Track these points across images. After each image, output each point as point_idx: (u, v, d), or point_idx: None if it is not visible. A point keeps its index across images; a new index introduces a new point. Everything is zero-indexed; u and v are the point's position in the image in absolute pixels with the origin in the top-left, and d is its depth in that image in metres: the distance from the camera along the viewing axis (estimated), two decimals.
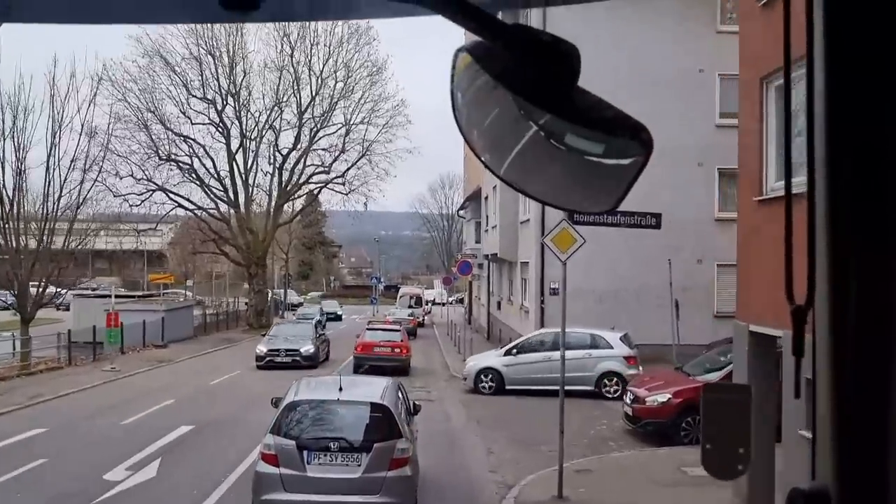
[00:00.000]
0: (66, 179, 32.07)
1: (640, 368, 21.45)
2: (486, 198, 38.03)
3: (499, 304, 37.46)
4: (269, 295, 54.01)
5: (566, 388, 21.37)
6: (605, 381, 21.52)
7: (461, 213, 53.54)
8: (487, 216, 38.48)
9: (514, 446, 15.76)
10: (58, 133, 31.60)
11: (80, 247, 34.56)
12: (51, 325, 43.28)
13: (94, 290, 65.98)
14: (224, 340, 41.20)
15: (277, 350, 28.54)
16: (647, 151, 0.96)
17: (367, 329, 29.98)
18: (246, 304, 46.47)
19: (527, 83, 0.94)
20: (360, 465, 9.77)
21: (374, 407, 10.39)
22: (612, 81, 27.67)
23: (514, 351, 23.11)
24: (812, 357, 1.01)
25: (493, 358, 23.72)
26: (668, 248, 25.62)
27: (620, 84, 27.48)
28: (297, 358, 28.08)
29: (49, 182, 31.61)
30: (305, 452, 9.81)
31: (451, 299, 66.02)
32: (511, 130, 0.98)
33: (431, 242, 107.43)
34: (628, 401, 16.87)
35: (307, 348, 28.77)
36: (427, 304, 60.71)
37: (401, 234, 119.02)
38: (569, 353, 22.52)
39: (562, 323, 13.65)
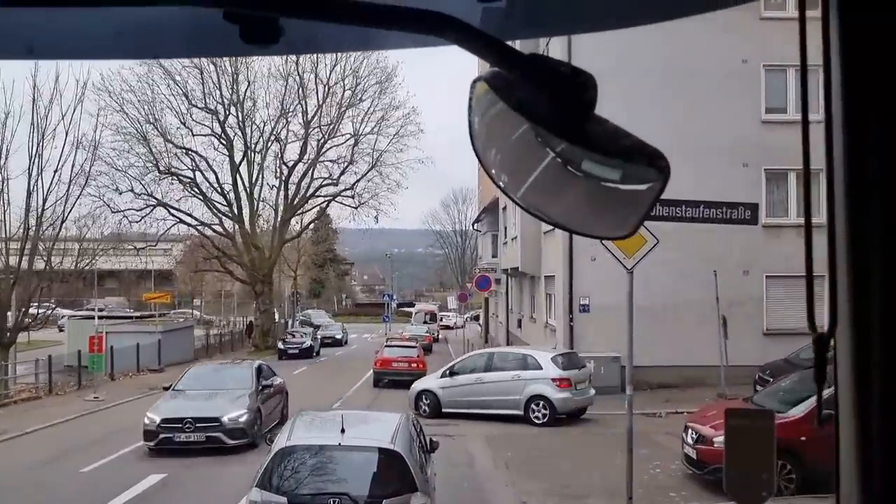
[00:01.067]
0: (49, 191, 29.26)
1: (575, 391, 20.02)
2: (505, 208, 35.06)
3: (519, 321, 34.41)
4: (277, 314, 51.23)
5: (494, 411, 19.33)
6: (533, 405, 19.83)
7: (476, 226, 50.60)
8: (506, 227, 35.50)
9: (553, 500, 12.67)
10: (40, 141, 28.88)
11: (75, 266, 31.55)
12: (49, 349, 40.70)
13: (100, 310, 63.51)
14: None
15: (181, 420, 16.13)
16: (665, 178, 0.95)
17: (386, 346, 30.14)
18: (251, 323, 43.71)
19: (544, 113, 0.94)
20: None
21: (384, 453, 8.57)
22: (645, 75, 24.97)
23: (449, 372, 21.39)
24: (834, 384, 1.00)
25: (431, 380, 22.01)
26: (711, 259, 22.67)
27: (654, 76, 24.74)
28: (218, 433, 16.15)
29: (31, 193, 28.81)
30: None
31: (466, 317, 63.02)
32: (528, 156, 0.98)
33: (445, 259, 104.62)
34: (690, 441, 13.73)
35: (236, 415, 16.47)
36: (438, 320, 62.01)
37: (414, 252, 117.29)
38: (498, 375, 20.16)
39: (628, 345, 10.61)
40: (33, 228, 28.57)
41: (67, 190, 30.05)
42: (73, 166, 30.02)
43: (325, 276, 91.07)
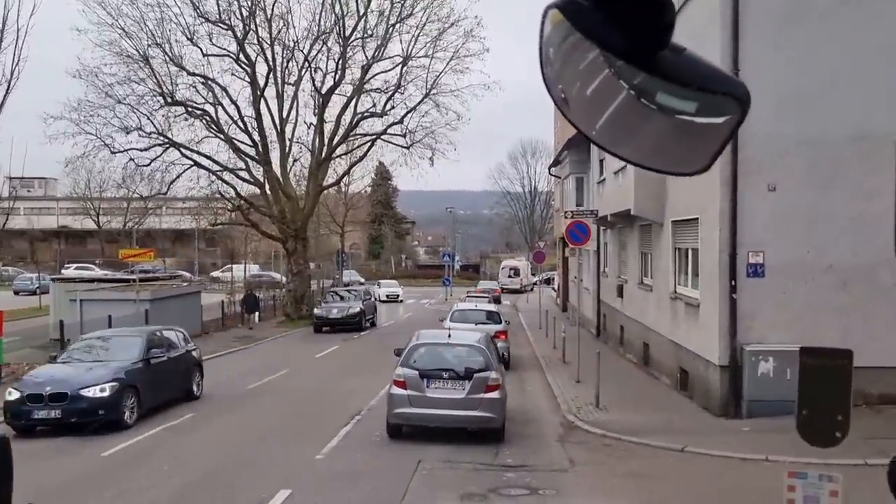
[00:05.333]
0: None
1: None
2: None
3: (619, 289, 24.13)
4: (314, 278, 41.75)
5: None
6: None
7: (553, 170, 40.11)
8: (602, 161, 25.12)
9: None
10: None
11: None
12: (37, 319, 32.28)
13: (156, 271, 55.50)
14: (241, 339, 29.06)
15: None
16: (744, 109, 0.89)
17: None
18: (248, 294, 34.21)
19: (618, 41, 0.87)
20: (464, 389, 12.46)
21: (473, 348, 13.22)
22: None
23: None
24: None
25: None
26: None
27: None
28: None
29: None
30: (425, 379, 12.53)
31: (536, 280, 52.98)
32: (601, 91, 0.92)
33: (512, 218, 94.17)
34: None
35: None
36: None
37: (479, 213, 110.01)
38: None
39: None
40: None
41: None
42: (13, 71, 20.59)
43: (383, 234, 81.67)
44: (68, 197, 78.22)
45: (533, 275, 52.75)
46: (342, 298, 33.61)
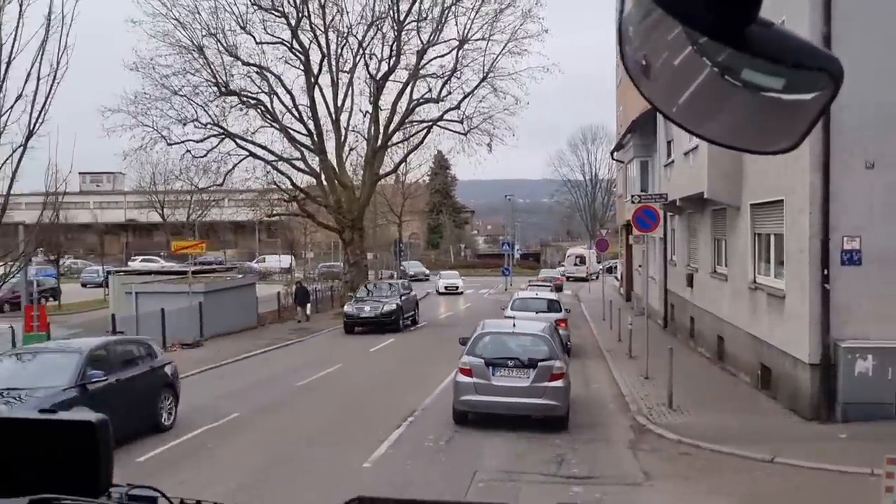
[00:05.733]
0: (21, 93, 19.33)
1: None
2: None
3: (689, 278, 22.54)
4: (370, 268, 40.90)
5: None
6: None
7: (616, 155, 38.38)
8: (669, 143, 23.52)
9: None
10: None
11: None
12: (101, 311, 32.19)
13: (219, 263, 55.69)
14: (296, 331, 28.34)
15: None
16: (837, 85, 0.84)
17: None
18: (299, 286, 33.30)
19: (703, 16, 0.82)
20: (528, 377, 12.57)
21: (538, 337, 13.37)
22: None
23: None
24: None
25: None
26: None
27: None
28: None
29: None
30: (490, 367, 12.68)
31: (600, 268, 51.30)
32: (682, 69, 0.88)
33: (573, 206, 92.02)
34: None
35: None
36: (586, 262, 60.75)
37: (539, 202, 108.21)
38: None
39: None
40: None
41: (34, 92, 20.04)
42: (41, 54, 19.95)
43: (442, 223, 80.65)
44: (135, 191, 79.17)
45: (598, 263, 51.04)
46: (376, 294, 29.79)
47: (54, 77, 19.28)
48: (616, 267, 51.90)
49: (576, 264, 62.79)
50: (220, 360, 21.39)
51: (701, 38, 0.85)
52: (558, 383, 12.54)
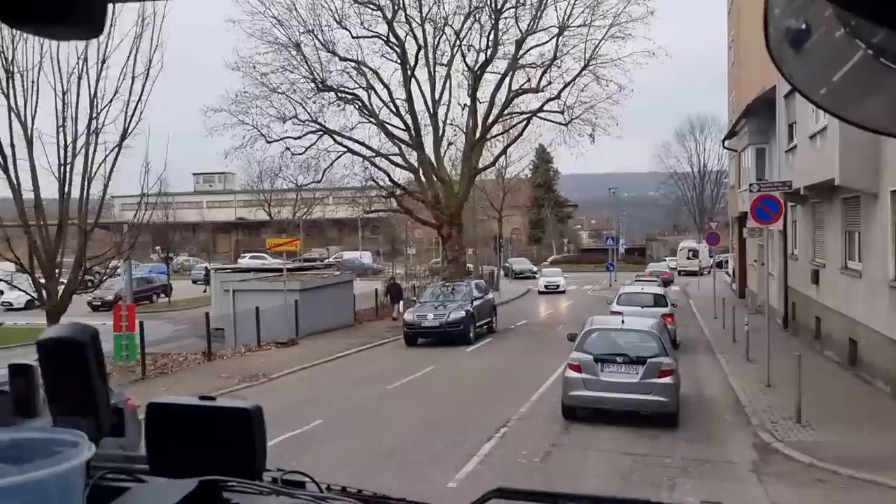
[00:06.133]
0: (117, 91, 19.15)
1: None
2: (788, 94, 21.00)
3: (815, 273, 20.38)
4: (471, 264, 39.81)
5: None
6: None
7: (728, 143, 35.88)
8: (791, 126, 21.37)
9: None
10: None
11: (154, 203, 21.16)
12: (201, 309, 32.39)
13: (321, 260, 56.25)
14: (392, 330, 27.55)
15: None
16: None
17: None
18: (391, 282, 32.26)
19: None
20: (637, 374, 12.42)
21: (647, 334, 13.26)
22: None
23: None
24: None
25: None
26: None
27: None
28: None
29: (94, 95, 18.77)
30: (599, 363, 12.59)
31: (712, 262, 48.56)
32: (833, 50, 0.82)
33: (680, 199, 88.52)
34: None
35: None
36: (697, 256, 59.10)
37: (644, 195, 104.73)
38: None
39: None
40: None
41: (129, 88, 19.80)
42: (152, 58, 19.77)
43: (544, 218, 78.84)
44: (244, 190, 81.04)
45: (710, 256, 48.16)
46: (444, 298, 25.25)
47: (147, 75, 19.22)
48: (727, 261, 49.04)
49: (688, 258, 61.27)
50: (313, 359, 20.76)
51: (853, 20, 0.77)
52: (668, 380, 12.39)
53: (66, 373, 1.41)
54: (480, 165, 36.81)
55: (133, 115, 18.74)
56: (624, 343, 13.05)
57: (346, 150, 34.21)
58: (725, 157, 55.55)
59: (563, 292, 45.47)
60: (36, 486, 0.92)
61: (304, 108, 33.60)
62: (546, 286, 46.18)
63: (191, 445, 1.39)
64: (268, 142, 33.67)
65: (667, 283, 37.88)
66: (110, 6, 0.89)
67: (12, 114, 17.79)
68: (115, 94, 18.60)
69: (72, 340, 1.39)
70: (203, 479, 1.29)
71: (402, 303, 31.06)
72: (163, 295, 43.14)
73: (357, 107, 34.33)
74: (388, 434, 12.34)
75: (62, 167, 18.48)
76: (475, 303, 24.73)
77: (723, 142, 38.82)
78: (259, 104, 33.01)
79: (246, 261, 55.80)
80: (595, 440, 11.54)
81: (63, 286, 18.65)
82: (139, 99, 18.79)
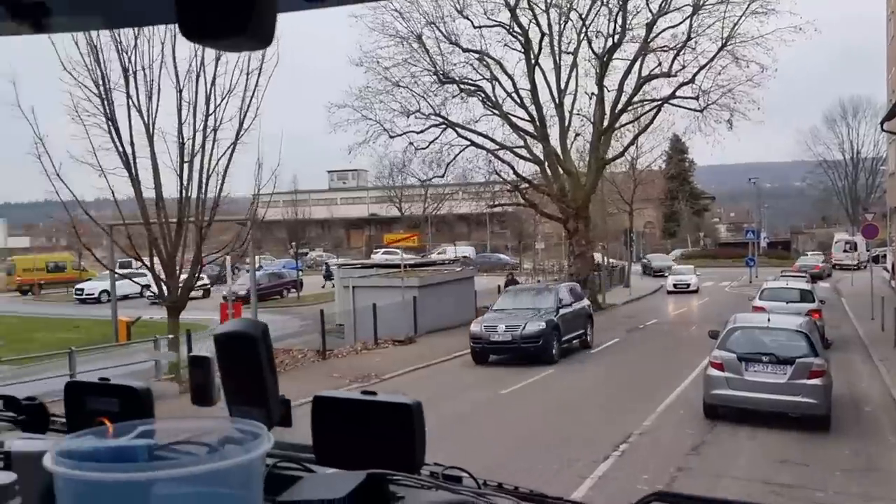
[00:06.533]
0: (233, 88, 19.00)
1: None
2: None
3: None
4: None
5: None
6: None
7: (887, 125, 32.37)
8: None
9: None
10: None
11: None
12: (328, 304, 32.46)
13: (440, 253, 56.04)
14: None
15: None
16: None
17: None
18: (510, 277, 30.89)
19: None
20: (785, 374, 11.92)
21: (795, 333, 12.61)
22: None
23: None
24: None
25: None
26: None
27: None
28: None
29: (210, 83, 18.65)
30: (743, 362, 12.18)
31: (869, 256, 44.39)
32: None
33: (829, 189, 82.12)
34: None
35: None
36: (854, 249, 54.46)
37: (788, 185, 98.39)
38: None
39: None
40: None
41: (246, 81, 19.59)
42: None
43: (678, 211, 75.27)
44: (376, 186, 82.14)
45: (867, 250, 43.83)
46: (522, 304, 20.64)
47: (259, 70, 18.98)
48: (885, 256, 44.69)
49: (846, 251, 56.80)
50: (429, 359, 19.93)
51: None
52: (818, 381, 11.84)
53: (239, 365, 1.46)
54: (609, 156, 35.02)
55: (247, 110, 18.60)
56: (770, 342, 12.54)
57: (469, 143, 33.38)
58: (883, 141, 50.83)
59: (695, 291, 40.92)
60: (228, 473, 0.97)
61: (426, 101, 33.05)
62: (675, 285, 41.65)
63: (354, 437, 1.42)
64: (391, 136, 33.34)
65: (816, 277, 34.67)
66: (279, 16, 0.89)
67: (134, 111, 17.99)
68: (229, 91, 18.52)
69: (244, 335, 1.44)
70: (372, 473, 1.32)
71: None
72: (293, 290, 43.83)
73: (480, 99, 33.44)
74: (491, 448, 11.14)
75: (182, 164, 18.56)
76: (561, 311, 20.20)
77: (881, 124, 35.08)
78: (382, 99, 32.76)
79: (379, 256, 56.16)
80: (728, 467, 9.96)
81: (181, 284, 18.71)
82: (253, 94, 18.62)
